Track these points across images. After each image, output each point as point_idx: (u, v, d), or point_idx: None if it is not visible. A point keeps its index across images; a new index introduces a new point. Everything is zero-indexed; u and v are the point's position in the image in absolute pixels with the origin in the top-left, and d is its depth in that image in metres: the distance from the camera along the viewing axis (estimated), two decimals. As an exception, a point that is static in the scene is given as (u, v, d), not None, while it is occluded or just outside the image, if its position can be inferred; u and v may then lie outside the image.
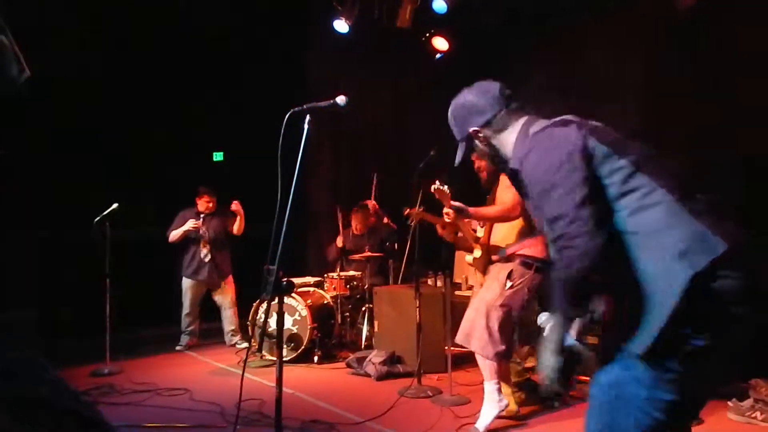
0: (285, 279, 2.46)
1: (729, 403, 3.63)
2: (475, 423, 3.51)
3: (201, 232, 5.84)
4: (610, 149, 1.65)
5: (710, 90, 4.49)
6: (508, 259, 3.59)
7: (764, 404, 3.60)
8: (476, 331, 3.49)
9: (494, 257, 3.69)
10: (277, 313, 2.45)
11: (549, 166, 1.65)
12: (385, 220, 6.35)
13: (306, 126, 2.54)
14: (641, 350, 1.52)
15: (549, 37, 5.42)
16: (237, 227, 5.88)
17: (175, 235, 5.83)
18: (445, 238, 4.36)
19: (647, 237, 1.57)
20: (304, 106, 2.54)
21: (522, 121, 1.89)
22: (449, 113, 2.03)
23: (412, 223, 4.39)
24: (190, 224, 5.80)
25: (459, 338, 3.61)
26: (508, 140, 1.91)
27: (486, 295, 3.56)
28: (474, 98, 1.96)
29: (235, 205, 5.82)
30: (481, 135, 1.95)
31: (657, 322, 1.50)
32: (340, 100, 2.55)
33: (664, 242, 1.54)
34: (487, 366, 3.52)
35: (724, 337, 1.53)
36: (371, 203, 6.38)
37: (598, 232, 1.55)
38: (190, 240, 5.87)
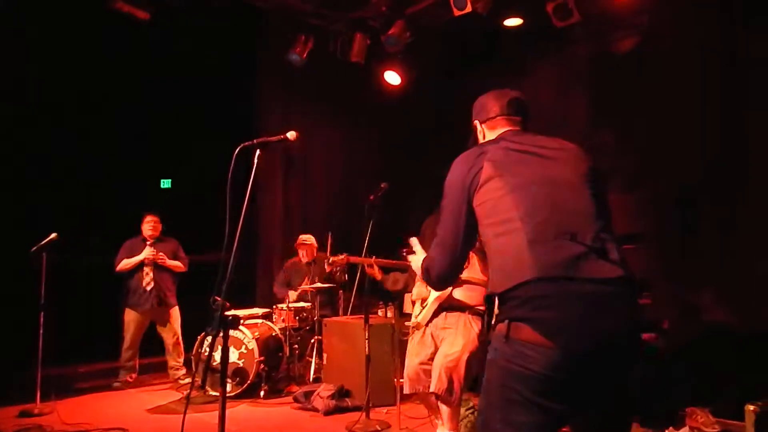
0: (231, 314, 2.41)
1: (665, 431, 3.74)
2: None
3: (153, 259, 5.68)
4: (496, 171, 1.80)
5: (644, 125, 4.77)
6: (477, 312, 3.55)
7: (699, 432, 3.73)
8: (456, 381, 3.38)
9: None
10: (222, 349, 2.39)
11: (445, 184, 1.93)
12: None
13: (256, 160, 2.55)
14: None
15: (497, 72, 5.62)
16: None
17: (127, 263, 5.65)
18: (374, 276, 4.38)
19: (500, 259, 1.75)
20: (255, 141, 2.55)
21: (501, 131, 2.02)
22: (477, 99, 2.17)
23: (336, 270, 4.33)
24: (148, 252, 5.64)
25: (438, 387, 3.38)
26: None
27: (469, 346, 3.43)
28: (489, 97, 2.11)
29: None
30: (477, 129, 2.13)
31: None
32: (291, 135, 2.58)
33: (500, 264, 1.75)
34: (452, 415, 3.45)
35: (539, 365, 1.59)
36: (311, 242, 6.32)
37: (445, 278, 2.00)
38: (134, 269, 5.69)
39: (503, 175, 1.78)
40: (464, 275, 3.53)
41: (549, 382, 1.59)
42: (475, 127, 2.13)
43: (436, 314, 3.63)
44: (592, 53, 5.14)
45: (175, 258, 5.85)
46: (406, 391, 3.61)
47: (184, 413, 2.51)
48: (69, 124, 6.27)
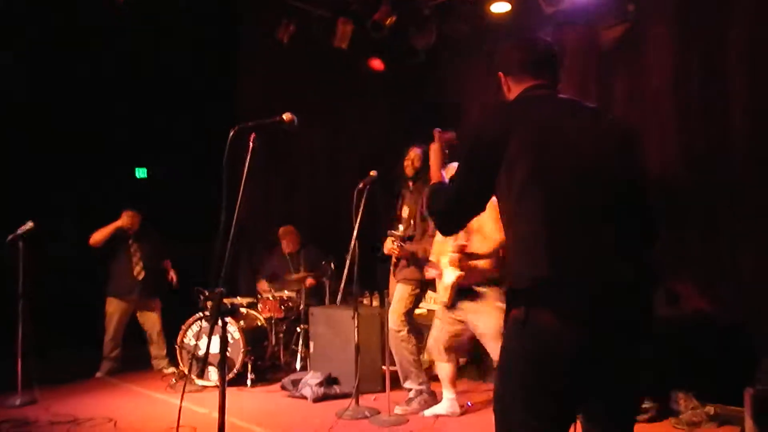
0: (229, 302, 2.37)
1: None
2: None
3: (130, 238, 5.60)
4: (520, 152, 1.70)
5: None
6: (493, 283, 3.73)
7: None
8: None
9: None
10: (220, 338, 2.35)
11: (468, 137, 1.84)
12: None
13: (251, 144, 2.46)
14: None
15: (483, 59, 5.59)
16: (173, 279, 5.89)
17: (101, 233, 5.49)
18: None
19: (517, 247, 1.75)
20: (250, 123, 2.46)
21: (528, 86, 1.89)
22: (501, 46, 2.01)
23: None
24: (124, 220, 5.52)
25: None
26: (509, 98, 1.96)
27: (497, 326, 3.58)
28: (515, 48, 1.95)
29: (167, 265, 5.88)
30: (502, 80, 1.98)
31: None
32: (287, 117, 2.50)
33: (519, 255, 1.74)
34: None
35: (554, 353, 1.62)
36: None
37: (447, 225, 1.94)
38: (119, 258, 5.58)
39: (527, 157, 1.71)
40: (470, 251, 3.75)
41: (567, 367, 1.62)
42: (500, 77, 1.99)
43: (461, 296, 3.81)
44: (579, 41, 5.14)
45: (154, 250, 5.76)
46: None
47: (181, 400, 2.47)
48: (41, 110, 6.10)
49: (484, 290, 3.75)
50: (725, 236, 4.35)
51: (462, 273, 3.71)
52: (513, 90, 1.94)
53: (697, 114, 4.51)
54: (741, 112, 4.26)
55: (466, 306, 3.81)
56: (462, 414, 4.12)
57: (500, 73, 1.99)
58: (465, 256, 3.69)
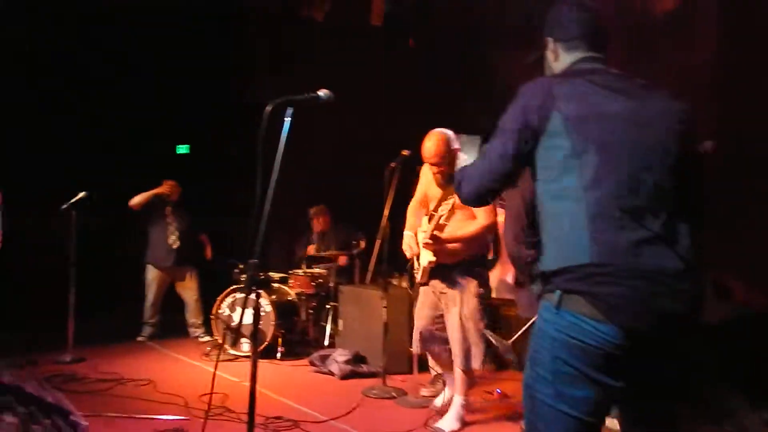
0: (263, 274, 2.48)
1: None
2: (437, 423, 3.58)
3: (168, 206, 5.82)
4: (565, 124, 1.60)
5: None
6: (468, 266, 3.59)
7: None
8: (474, 349, 3.53)
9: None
10: (254, 309, 2.47)
11: (508, 109, 1.73)
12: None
13: (287, 119, 2.39)
14: None
15: (509, 37, 5.49)
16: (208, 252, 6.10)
17: (140, 196, 5.72)
18: None
19: (555, 228, 1.64)
20: (286, 99, 2.47)
21: (578, 58, 1.76)
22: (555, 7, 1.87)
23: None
24: (165, 188, 5.75)
25: (459, 363, 3.54)
26: (555, 68, 1.83)
27: (464, 311, 3.54)
28: (566, 12, 1.80)
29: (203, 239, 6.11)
30: (549, 46, 1.84)
31: None
32: (323, 93, 2.43)
33: (556, 236, 1.63)
34: (465, 381, 3.60)
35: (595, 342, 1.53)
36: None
37: (476, 197, 1.82)
38: (157, 226, 5.81)
39: (571, 133, 1.59)
40: (449, 232, 3.52)
41: (605, 357, 1.52)
42: (547, 43, 1.83)
43: (433, 275, 3.65)
44: (621, 10, 4.96)
45: (192, 222, 5.95)
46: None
47: (215, 369, 2.61)
48: (89, 84, 6.33)
49: (456, 273, 3.58)
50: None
51: (434, 259, 3.56)
52: (561, 58, 1.80)
53: (743, 94, 4.30)
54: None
55: (437, 285, 3.65)
56: (489, 403, 4.10)
57: (547, 38, 1.83)
58: (438, 241, 3.48)
